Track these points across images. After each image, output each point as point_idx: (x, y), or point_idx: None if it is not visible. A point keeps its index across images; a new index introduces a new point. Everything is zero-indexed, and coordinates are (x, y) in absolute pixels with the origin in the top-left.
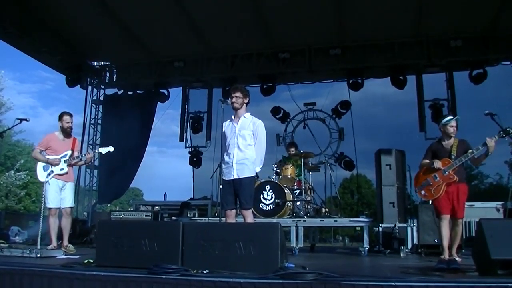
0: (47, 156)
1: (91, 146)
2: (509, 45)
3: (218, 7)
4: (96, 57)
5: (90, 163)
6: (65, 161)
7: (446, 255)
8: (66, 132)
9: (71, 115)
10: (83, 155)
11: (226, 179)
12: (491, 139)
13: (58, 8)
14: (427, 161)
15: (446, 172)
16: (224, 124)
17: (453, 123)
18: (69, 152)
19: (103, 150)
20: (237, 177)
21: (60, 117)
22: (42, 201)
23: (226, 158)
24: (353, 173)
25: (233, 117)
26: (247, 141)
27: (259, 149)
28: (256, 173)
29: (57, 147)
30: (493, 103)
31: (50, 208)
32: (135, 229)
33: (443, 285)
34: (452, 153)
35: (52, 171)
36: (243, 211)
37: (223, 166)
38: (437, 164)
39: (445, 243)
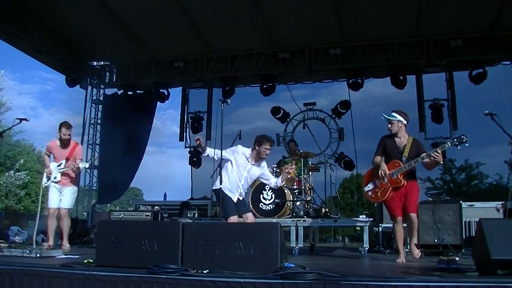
0: (49, 164)
1: (91, 146)
2: (509, 45)
3: (218, 7)
4: (96, 57)
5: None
6: (58, 170)
7: (402, 258)
8: (63, 143)
9: (68, 127)
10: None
11: (232, 198)
12: (441, 148)
13: (58, 8)
14: (379, 157)
15: (395, 176)
16: (239, 153)
17: (387, 121)
18: (64, 162)
19: (82, 165)
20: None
21: (59, 128)
22: (39, 203)
23: (234, 183)
24: (353, 173)
25: (250, 158)
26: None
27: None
28: None
29: (57, 155)
30: (493, 103)
31: (49, 208)
32: (135, 229)
33: (443, 285)
34: (404, 155)
35: (49, 178)
36: (247, 214)
37: (229, 188)
38: (383, 171)
39: (400, 245)
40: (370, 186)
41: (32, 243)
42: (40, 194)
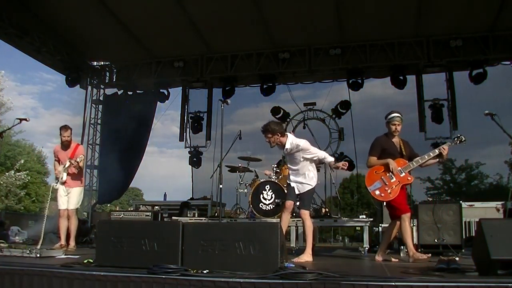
0: (58, 167)
1: (91, 146)
2: (509, 45)
3: (218, 7)
4: (96, 57)
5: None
6: (63, 171)
7: (417, 254)
8: (64, 145)
9: (66, 129)
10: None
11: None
12: (446, 145)
13: (58, 8)
14: (375, 158)
15: (403, 173)
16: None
17: (396, 121)
18: (67, 163)
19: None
20: (298, 193)
21: (59, 131)
22: (47, 204)
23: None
24: (353, 173)
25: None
26: (297, 163)
27: (318, 152)
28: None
29: (61, 158)
30: (493, 103)
31: (59, 210)
32: (135, 229)
33: (443, 285)
34: (403, 153)
35: (58, 180)
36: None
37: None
38: (394, 165)
39: (411, 242)
40: (377, 185)
41: (34, 243)
42: (50, 195)
